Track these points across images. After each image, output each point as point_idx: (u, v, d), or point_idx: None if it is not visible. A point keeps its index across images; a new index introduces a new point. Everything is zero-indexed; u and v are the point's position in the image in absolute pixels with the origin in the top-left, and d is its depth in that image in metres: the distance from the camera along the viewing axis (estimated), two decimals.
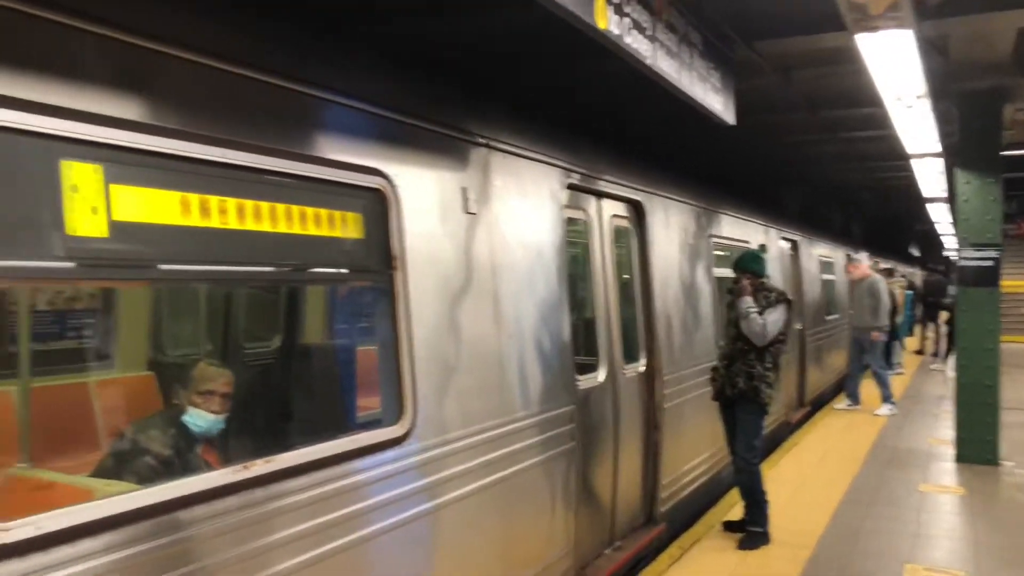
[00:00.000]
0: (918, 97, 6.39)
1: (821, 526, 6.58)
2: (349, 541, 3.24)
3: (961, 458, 8.77)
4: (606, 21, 3.30)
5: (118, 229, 2.51)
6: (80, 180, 2.41)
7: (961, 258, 8.70)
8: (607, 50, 3.71)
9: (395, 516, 3.49)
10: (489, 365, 4.26)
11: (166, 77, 2.74)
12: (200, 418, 3.46)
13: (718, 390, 6.34)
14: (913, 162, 10.92)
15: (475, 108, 4.49)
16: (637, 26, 3.59)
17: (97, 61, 2.50)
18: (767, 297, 6.17)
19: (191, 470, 3.36)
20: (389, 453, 3.51)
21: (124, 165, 2.55)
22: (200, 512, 2.66)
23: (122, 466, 3.25)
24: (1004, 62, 7.64)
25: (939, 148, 9.30)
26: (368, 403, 6.01)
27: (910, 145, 9.18)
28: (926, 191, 14.06)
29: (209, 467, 3.48)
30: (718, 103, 4.76)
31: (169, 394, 5.36)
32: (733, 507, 7.03)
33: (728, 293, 6.59)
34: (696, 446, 7.21)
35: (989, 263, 8.55)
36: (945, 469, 8.61)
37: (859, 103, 9.26)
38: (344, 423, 4.45)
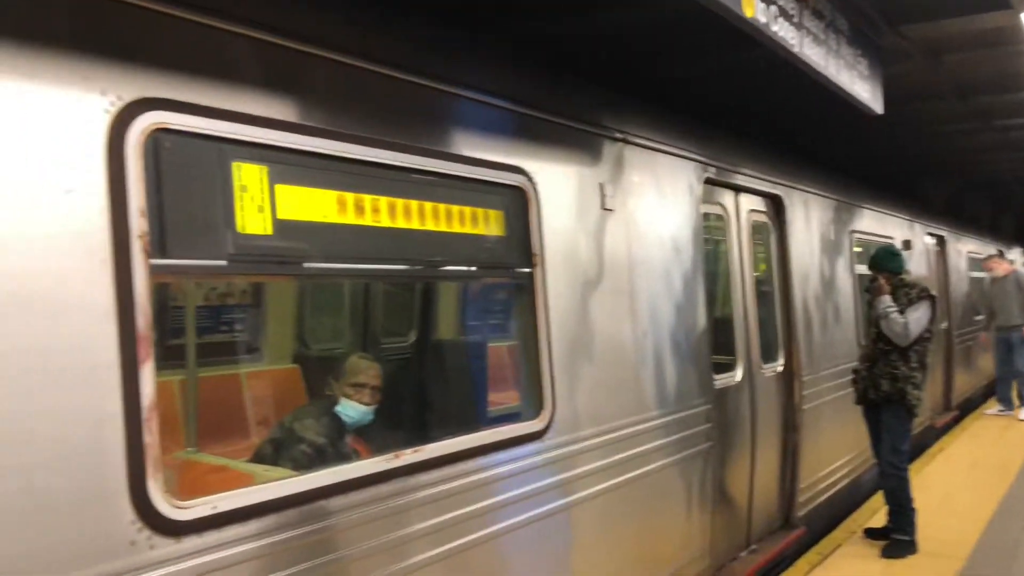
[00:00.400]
0: None
1: (972, 538, 6.20)
2: (489, 533, 3.30)
3: None
4: (753, 9, 3.21)
5: (281, 227, 2.64)
6: (248, 181, 2.56)
7: None
8: (746, 39, 3.61)
9: (533, 510, 3.53)
10: (626, 362, 4.24)
11: (321, 79, 2.86)
12: (352, 409, 3.60)
13: (861, 393, 6.07)
14: None
15: (610, 102, 4.46)
16: (783, 13, 3.48)
17: (258, 65, 2.64)
18: (908, 294, 5.86)
19: (343, 458, 3.50)
20: (530, 447, 3.55)
21: (284, 165, 2.68)
22: (356, 498, 2.77)
23: (279, 453, 3.42)
24: None
25: None
26: (503, 397, 6.13)
27: None
28: None
29: (358, 455, 3.62)
30: (865, 91, 4.56)
31: (313, 386, 5.63)
32: (876, 513, 6.72)
33: (866, 292, 6.31)
34: (836, 449, 6.95)
35: None
36: None
37: (1018, 87, 8.65)
38: (484, 416, 4.52)
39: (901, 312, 5.78)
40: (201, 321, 4.93)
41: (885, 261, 6.07)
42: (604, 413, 4.02)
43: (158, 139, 2.31)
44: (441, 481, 3.11)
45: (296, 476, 2.75)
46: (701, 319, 4.95)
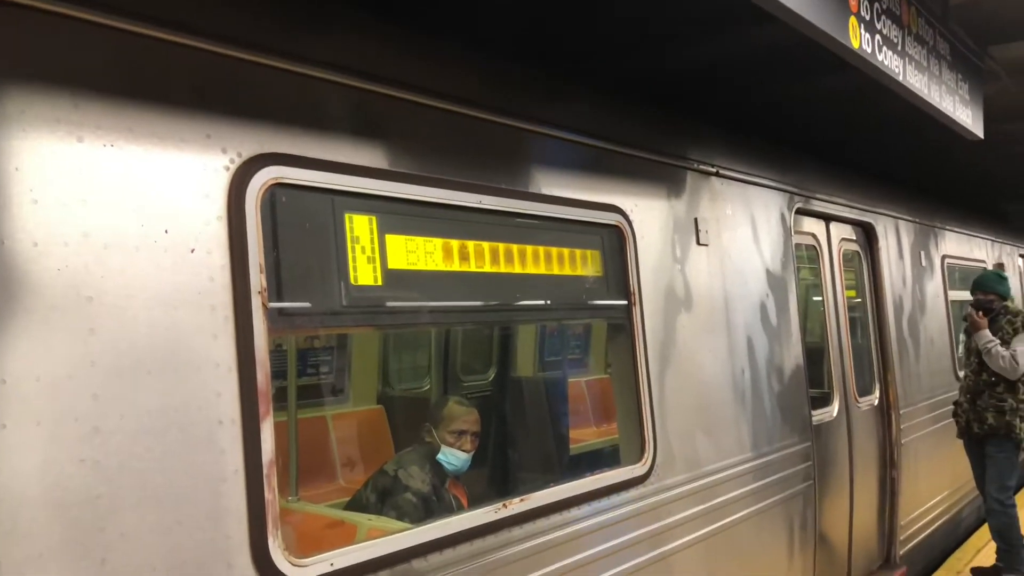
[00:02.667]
0: None
1: None
2: None
3: None
4: (859, 40, 3.11)
5: (390, 276, 2.63)
6: (360, 231, 2.55)
7: None
8: (841, 65, 3.51)
9: (635, 559, 3.42)
10: (724, 400, 4.12)
11: (426, 127, 2.85)
12: (455, 457, 3.55)
13: (963, 427, 5.80)
14: None
15: (701, 135, 4.39)
16: (887, 41, 3.37)
17: (363, 115, 2.65)
18: (1012, 323, 5.62)
19: (446, 507, 3.45)
20: (632, 492, 3.45)
21: (392, 215, 2.67)
22: (464, 551, 2.71)
23: (383, 500, 3.38)
24: None
25: None
26: (596, 437, 6.02)
27: None
28: None
29: (458, 501, 3.57)
30: (967, 116, 4.39)
31: (397, 425, 5.62)
32: (980, 551, 6.41)
33: (964, 320, 6.06)
34: (935, 484, 6.65)
35: None
36: None
37: None
38: (583, 460, 4.44)
39: (1005, 343, 5.52)
40: (296, 365, 4.96)
41: (994, 284, 5.86)
42: (704, 455, 3.90)
43: (275, 194, 2.32)
44: (547, 531, 3.04)
45: (408, 529, 2.70)
46: (798, 353, 4.80)
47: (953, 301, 7.44)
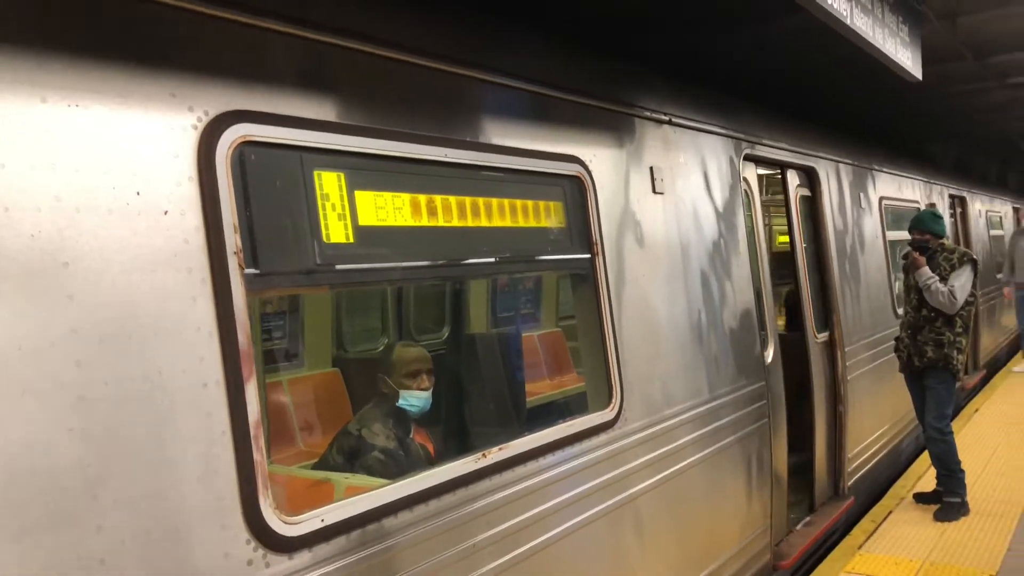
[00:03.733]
0: None
1: (1022, 495, 6.20)
2: (566, 528, 3.28)
3: None
4: None
5: (361, 233, 2.61)
6: (330, 189, 2.53)
7: None
8: (787, 8, 3.55)
9: (604, 501, 3.51)
10: (684, 344, 4.22)
11: (391, 82, 2.82)
12: (415, 398, 3.57)
13: (904, 361, 6.05)
14: None
15: (653, 84, 4.42)
16: None
17: (329, 70, 2.60)
18: (949, 259, 5.82)
19: (414, 457, 3.49)
20: (602, 437, 3.53)
21: (360, 171, 2.65)
22: (448, 500, 2.75)
23: (352, 460, 3.38)
24: None
25: None
26: (549, 390, 6.11)
27: None
28: None
29: (425, 450, 3.61)
30: (907, 58, 4.51)
31: (354, 387, 5.60)
32: (922, 477, 6.73)
33: (902, 259, 6.27)
34: (877, 417, 6.94)
35: None
36: None
37: None
38: (550, 412, 4.51)
39: (943, 279, 5.74)
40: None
41: (929, 224, 5.99)
42: (667, 398, 4.01)
43: (244, 152, 2.28)
44: (524, 478, 3.10)
45: (390, 484, 2.72)
46: (748, 296, 4.93)
47: (891, 241, 7.69)
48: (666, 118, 4.30)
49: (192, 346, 2.10)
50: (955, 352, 5.79)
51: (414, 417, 3.64)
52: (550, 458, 3.23)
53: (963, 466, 6.09)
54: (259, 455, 2.21)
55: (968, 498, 5.99)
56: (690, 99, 4.66)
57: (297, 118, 2.43)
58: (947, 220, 10.08)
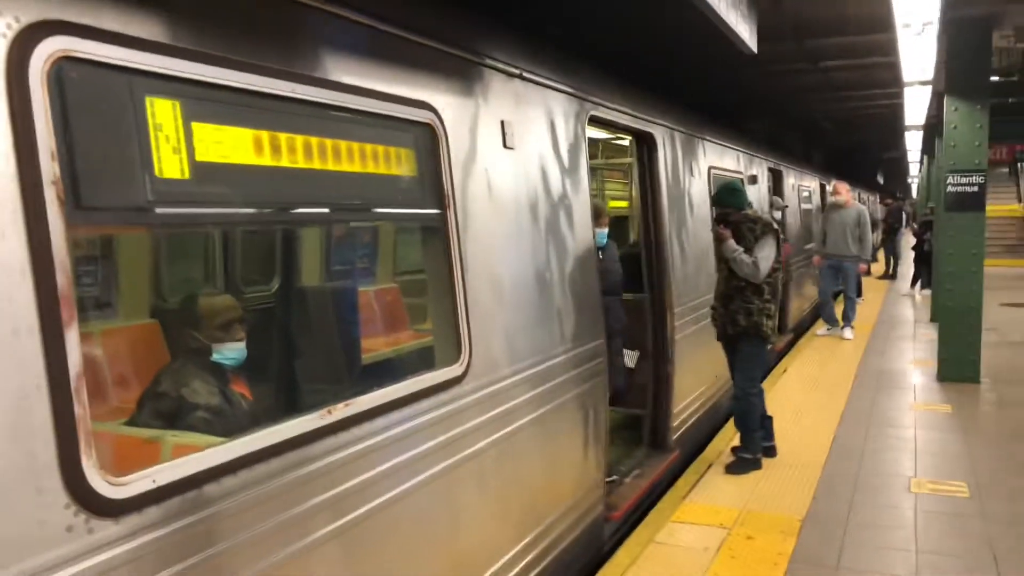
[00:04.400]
0: (925, 24, 6.37)
1: (825, 448, 6.76)
2: (416, 483, 3.22)
3: (943, 377, 9.07)
4: None
5: (198, 169, 2.39)
6: (163, 117, 2.28)
7: (948, 184, 8.83)
8: None
9: (448, 459, 3.46)
10: (530, 301, 4.23)
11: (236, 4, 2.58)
12: (232, 351, 3.41)
13: (720, 329, 6.31)
14: (904, 89, 11.01)
15: (505, 37, 4.34)
16: None
17: None
18: (752, 230, 6.04)
19: (236, 408, 3.31)
20: (451, 392, 3.48)
21: (199, 100, 2.41)
22: (292, 458, 2.61)
23: (172, 424, 3.15)
24: None
25: (931, 76, 9.36)
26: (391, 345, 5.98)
27: (908, 73, 9.21)
28: (909, 119, 14.22)
29: (245, 399, 3.44)
30: (745, 31, 4.69)
31: (175, 340, 5.24)
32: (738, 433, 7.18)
33: (713, 231, 6.55)
34: (700, 376, 7.31)
35: (975, 188, 8.71)
36: (931, 388, 8.90)
37: (845, 31, 9.26)
38: (396, 366, 4.40)
39: (748, 250, 6.00)
40: None
41: (726, 197, 6.17)
42: (513, 354, 4.00)
43: (63, 69, 2.01)
44: (371, 435, 2.99)
45: (228, 441, 2.53)
46: (591, 256, 5.01)
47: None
48: (517, 72, 4.24)
49: (2, 287, 1.83)
50: (764, 319, 6.07)
51: (231, 369, 3.45)
52: (396, 415, 3.14)
53: (774, 422, 6.55)
54: (81, 409, 1.98)
55: (781, 452, 6.46)
56: (541, 55, 4.63)
57: (129, 36, 2.17)
58: (763, 191, 10.75)
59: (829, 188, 14.36)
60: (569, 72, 4.93)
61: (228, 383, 3.41)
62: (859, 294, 13.79)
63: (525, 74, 4.32)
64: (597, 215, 5.36)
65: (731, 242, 6.04)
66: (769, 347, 6.37)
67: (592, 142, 8.99)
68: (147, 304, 5.53)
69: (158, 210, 2.36)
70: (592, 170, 6.22)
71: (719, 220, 6.22)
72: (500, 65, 4.10)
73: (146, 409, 3.30)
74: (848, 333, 11.90)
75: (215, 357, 3.40)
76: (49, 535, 1.89)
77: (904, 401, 8.36)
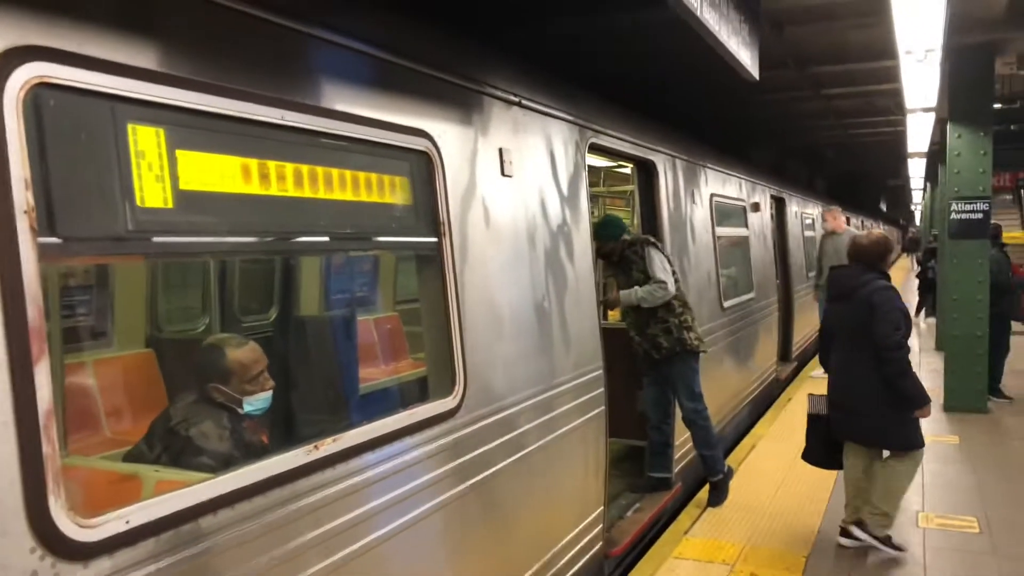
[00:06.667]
0: (927, 51, 6.34)
1: (831, 479, 6.62)
2: (408, 520, 3.12)
3: (950, 407, 8.92)
4: None
5: (182, 198, 2.32)
6: (146, 145, 2.21)
7: (952, 211, 8.75)
8: (642, 4, 3.56)
9: (444, 493, 3.37)
10: (529, 331, 4.14)
11: (225, 31, 2.53)
12: (261, 400, 3.25)
13: (644, 358, 5.98)
14: (907, 116, 10.99)
15: (503, 64, 4.30)
16: None
17: (158, 12, 2.29)
18: (637, 252, 5.77)
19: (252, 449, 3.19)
20: (444, 426, 3.38)
21: (184, 128, 2.35)
22: (277, 495, 2.52)
23: (177, 462, 3.04)
24: (998, 17, 7.63)
25: (934, 103, 9.33)
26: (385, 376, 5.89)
27: (911, 100, 9.19)
28: (912, 146, 14.19)
29: (259, 440, 3.33)
30: (747, 57, 4.64)
31: (170, 370, 5.14)
32: (743, 462, 7.06)
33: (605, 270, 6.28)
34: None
35: (979, 216, 8.63)
36: (937, 419, 8.74)
37: (847, 59, 9.26)
38: (387, 399, 4.31)
39: (643, 271, 5.72)
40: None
41: (602, 231, 5.81)
42: (510, 386, 3.91)
43: (40, 95, 1.94)
44: (361, 470, 2.90)
45: (209, 478, 2.44)
46: (590, 284, 4.94)
47: (719, 236, 8.01)
48: (516, 99, 4.19)
49: None
50: (685, 332, 5.82)
51: (251, 416, 3.32)
52: (387, 449, 3.04)
53: (780, 456, 6.42)
54: (50, 448, 1.89)
55: (782, 484, 6.33)
56: (540, 82, 4.59)
57: (110, 62, 2.11)
58: (766, 218, 10.66)
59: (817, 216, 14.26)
60: (569, 99, 4.88)
61: (243, 423, 3.23)
62: None
63: (524, 101, 4.27)
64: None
65: (620, 295, 5.80)
66: (701, 354, 6.01)
67: (594, 170, 8.97)
68: (142, 333, 5.48)
69: (140, 240, 2.28)
70: (594, 197, 6.15)
71: (600, 255, 5.81)
72: (498, 92, 4.05)
73: (155, 443, 3.18)
74: None
75: (247, 410, 3.23)
76: None
77: None
